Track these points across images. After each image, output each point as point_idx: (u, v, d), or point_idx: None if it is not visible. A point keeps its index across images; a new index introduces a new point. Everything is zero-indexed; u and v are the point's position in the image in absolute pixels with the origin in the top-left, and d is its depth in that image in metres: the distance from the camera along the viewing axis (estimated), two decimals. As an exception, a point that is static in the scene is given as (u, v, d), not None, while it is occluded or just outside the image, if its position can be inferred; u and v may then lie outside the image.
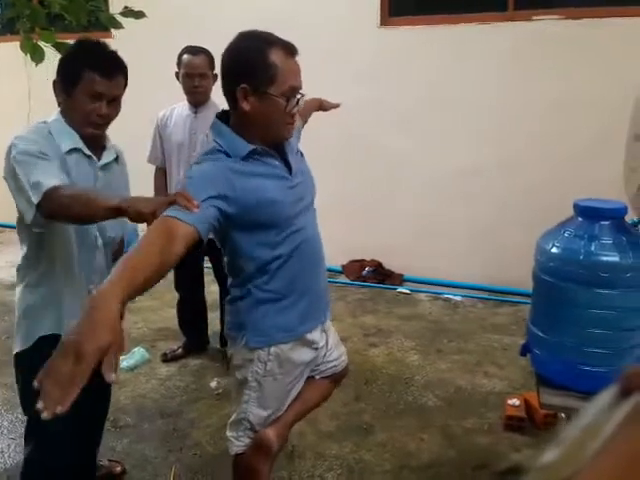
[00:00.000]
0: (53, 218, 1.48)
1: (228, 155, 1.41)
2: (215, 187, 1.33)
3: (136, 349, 3.24)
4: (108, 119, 1.65)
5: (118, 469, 2.26)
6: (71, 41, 2.29)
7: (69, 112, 1.62)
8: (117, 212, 1.32)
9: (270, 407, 1.61)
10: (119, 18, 2.31)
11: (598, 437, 0.47)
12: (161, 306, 3.93)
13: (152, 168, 3.04)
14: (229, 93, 1.42)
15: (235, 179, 1.38)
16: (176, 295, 3.26)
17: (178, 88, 2.86)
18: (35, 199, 1.42)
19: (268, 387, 1.58)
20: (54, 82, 1.64)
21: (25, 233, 1.65)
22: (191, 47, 2.77)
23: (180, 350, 3.25)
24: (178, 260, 1.20)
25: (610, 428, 0.48)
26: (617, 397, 0.53)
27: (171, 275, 3.32)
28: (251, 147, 1.42)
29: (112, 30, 4.77)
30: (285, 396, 1.64)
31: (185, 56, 2.75)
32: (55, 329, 1.68)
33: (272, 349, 1.54)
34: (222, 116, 1.50)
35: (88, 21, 2.40)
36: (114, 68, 1.60)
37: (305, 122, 2.00)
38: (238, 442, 1.63)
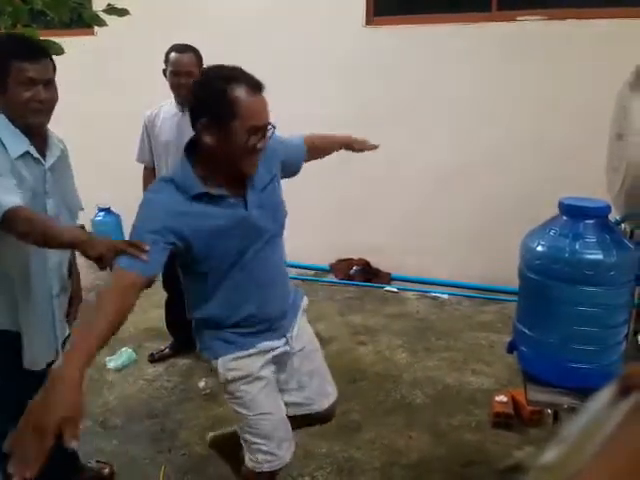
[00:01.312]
0: (10, 234, 1.52)
1: (179, 189, 1.43)
2: (163, 225, 1.37)
3: (123, 350, 3.22)
4: (49, 104, 1.65)
5: (107, 471, 2.24)
6: (54, 38, 2.28)
7: (8, 108, 1.62)
8: (71, 247, 1.45)
9: (251, 414, 1.60)
10: (102, 15, 2.29)
11: (598, 437, 0.48)
12: (148, 306, 3.90)
13: (140, 167, 3.02)
14: (194, 126, 1.44)
15: (183, 220, 1.40)
16: (163, 295, 3.24)
17: (162, 86, 2.84)
18: None
19: (236, 394, 1.60)
20: None
21: None
22: (179, 45, 2.75)
23: (167, 350, 3.23)
24: (133, 307, 1.31)
25: (610, 428, 0.48)
26: (616, 396, 0.53)
27: (159, 275, 3.30)
28: (201, 190, 1.43)
29: (94, 27, 4.76)
30: (261, 400, 1.61)
31: (172, 54, 2.74)
32: (10, 326, 1.69)
33: (219, 360, 1.58)
34: (192, 145, 1.50)
35: (70, 18, 2.38)
36: (38, 51, 1.63)
37: (313, 157, 1.90)
38: (252, 458, 1.64)
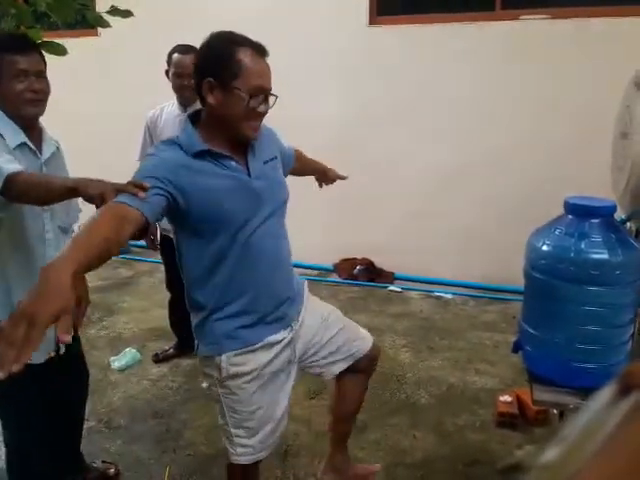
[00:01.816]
0: (14, 201, 1.54)
1: (182, 149, 1.45)
2: (163, 175, 1.38)
3: (127, 350, 3.23)
4: (42, 94, 1.69)
5: (112, 471, 2.25)
6: (57, 39, 2.28)
7: (3, 101, 1.65)
8: (73, 193, 1.43)
9: (245, 410, 1.60)
10: (106, 17, 2.30)
11: (598, 436, 0.48)
12: (151, 306, 3.91)
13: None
14: (197, 87, 1.47)
15: (184, 174, 1.41)
16: (166, 295, 3.24)
17: (165, 86, 2.85)
18: None
19: (234, 391, 1.58)
20: None
21: None
22: (181, 46, 2.75)
23: (171, 350, 3.24)
24: (126, 242, 1.29)
25: (610, 427, 0.48)
26: (616, 395, 0.53)
27: (163, 274, 3.30)
28: (203, 147, 1.45)
29: (98, 28, 4.76)
30: (258, 397, 1.60)
31: (175, 55, 2.74)
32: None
33: (223, 357, 1.55)
34: (195, 115, 1.54)
35: (75, 19, 2.39)
36: (26, 44, 1.68)
37: (294, 171, 1.94)
38: (238, 458, 1.65)
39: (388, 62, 4.15)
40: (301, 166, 1.98)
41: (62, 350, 1.83)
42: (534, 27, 3.79)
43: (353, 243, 4.49)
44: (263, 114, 1.48)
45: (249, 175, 1.51)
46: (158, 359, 3.19)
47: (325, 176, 2.14)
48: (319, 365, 1.79)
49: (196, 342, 1.63)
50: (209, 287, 1.53)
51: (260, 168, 1.55)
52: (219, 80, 1.41)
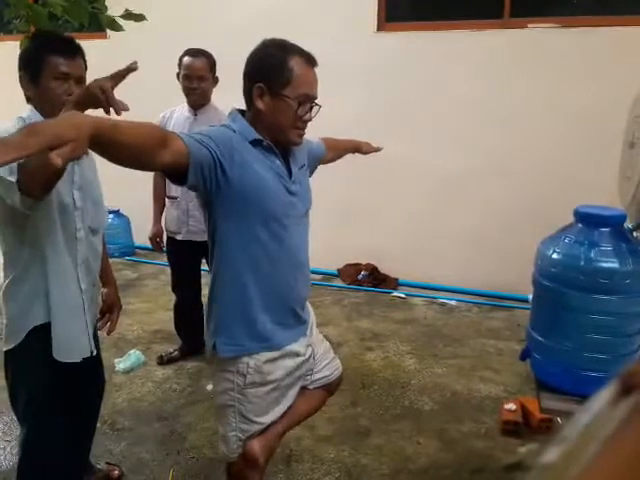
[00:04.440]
0: (32, 189, 1.44)
1: (237, 133, 1.47)
2: (220, 140, 1.39)
3: (131, 352, 3.23)
4: None
5: (116, 472, 2.24)
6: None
7: (41, 102, 1.65)
8: (80, 106, 1.40)
9: (257, 420, 1.60)
10: (119, 21, 2.31)
11: (598, 437, 0.48)
12: (156, 309, 3.92)
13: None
14: (247, 91, 1.49)
15: (237, 151, 1.42)
16: (171, 298, 3.25)
17: (173, 90, 2.86)
18: (12, 178, 1.42)
19: (251, 399, 1.57)
20: (20, 77, 1.66)
21: (2, 228, 1.65)
22: (192, 50, 2.78)
23: (176, 353, 3.24)
24: (155, 166, 1.29)
25: (610, 428, 0.48)
26: (616, 396, 0.53)
27: (167, 277, 3.31)
28: (258, 136, 1.48)
29: (107, 31, 4.78)
30: (272, 407, 1.61)
31: (185, 58, 2.76)
32: (45, 318, 1.68)
33: (251, 363, 1.53)
34: (240, 113, 1.56)
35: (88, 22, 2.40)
36: (73, 48, 1.68)
37: (330, 158, 2.03)
38: (233, 455, 1.64)
39: (396, 68, 4.17)
40: (335, 153, 2.06)
41: (94, 353, 1.83)
42: (542, 35, 3.80)
43: (357, 248, 4.50)
44: (309, 121, 1.52)
45: (290, 176, 1.54)
46: (162, 361, 3.19)
47: (360, 152, 2.27)
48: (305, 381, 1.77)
49: (212, 340, 1.57)
50: (241, 282, 1.51)
51: (297, 173, 1.59)
52: (269, 86, 1.44)
